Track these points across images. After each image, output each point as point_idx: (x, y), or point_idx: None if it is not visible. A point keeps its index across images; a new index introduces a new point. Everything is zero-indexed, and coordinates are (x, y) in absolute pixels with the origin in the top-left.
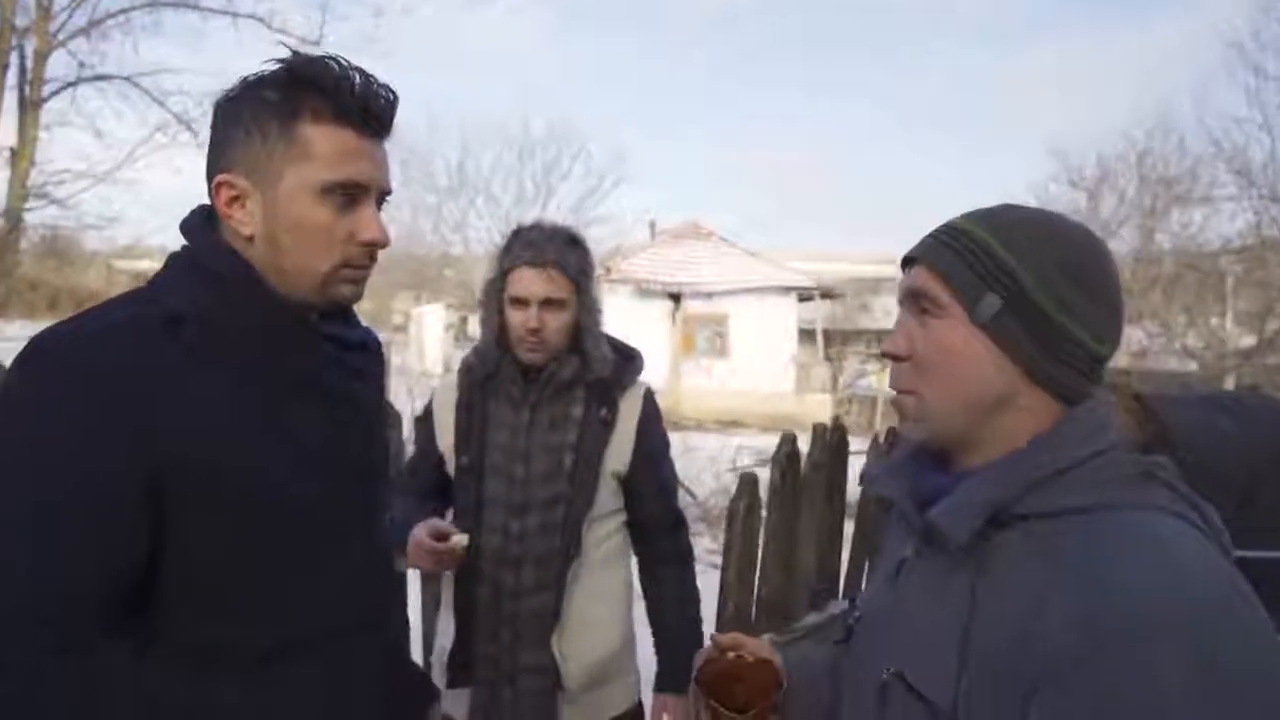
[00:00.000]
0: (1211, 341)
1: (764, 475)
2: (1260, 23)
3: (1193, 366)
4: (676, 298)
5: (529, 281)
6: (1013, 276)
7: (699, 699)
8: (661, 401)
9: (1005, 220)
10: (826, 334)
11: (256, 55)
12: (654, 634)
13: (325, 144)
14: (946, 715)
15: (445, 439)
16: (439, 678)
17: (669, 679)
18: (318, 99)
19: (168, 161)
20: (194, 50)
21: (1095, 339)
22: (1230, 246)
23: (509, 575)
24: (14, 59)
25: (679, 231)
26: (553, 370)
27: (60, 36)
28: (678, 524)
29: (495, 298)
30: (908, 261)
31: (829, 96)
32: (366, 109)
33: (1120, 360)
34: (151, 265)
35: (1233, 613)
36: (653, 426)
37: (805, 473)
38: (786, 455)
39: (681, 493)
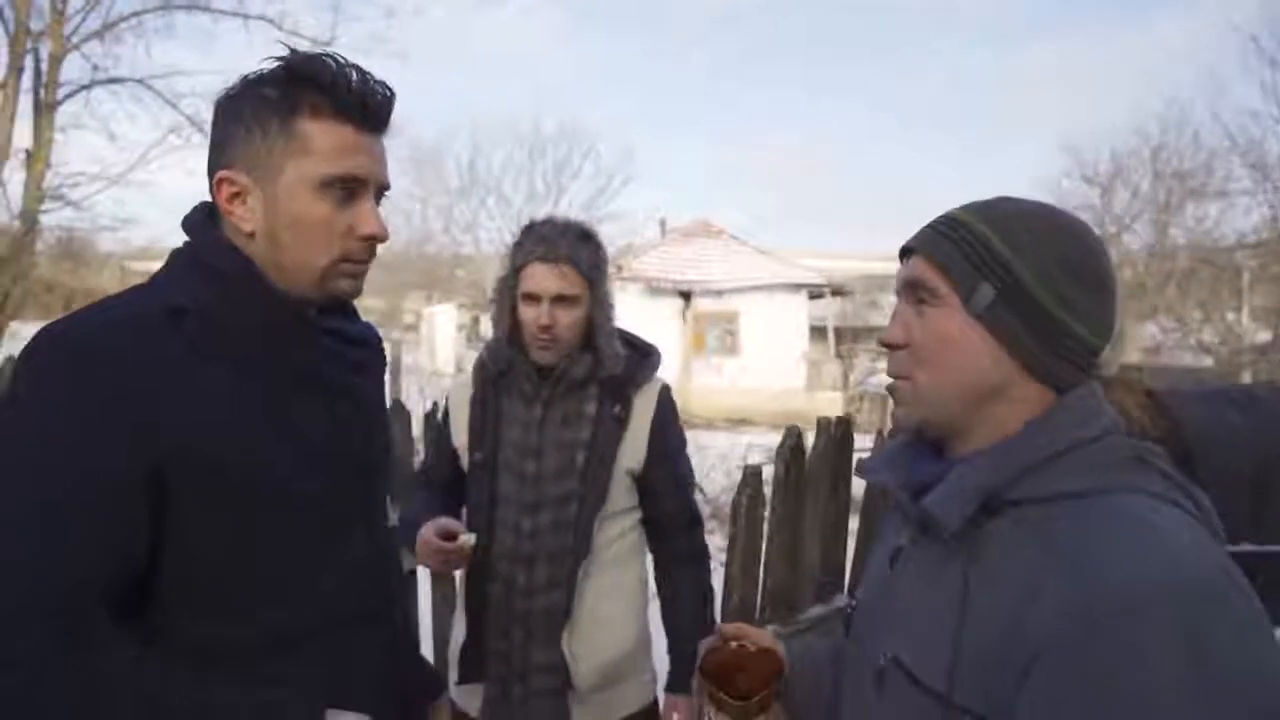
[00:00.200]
0: (1227, 337)
1: (771, 471)
2: (1276, 16)
3: (1208, 362)
4: (687, 296)
5: (541, 277)
6: (1008, 267)
7: (702, 687)
8: None
9: (1002, 212)
10: (837, 331)
11: (283, 51)
12: (667, 633)
13: (324, 139)
14: (942, 700)
15: (460, 436)
16: (452, 673)
17: (681, 679)
18: (316, 95)
19: (181, 163)
20: (206, 52)
21: (1089, 330)
22: (1246, 241)
23: (521, 573)
24: (29, 62)
25: (689, 230)
26: (565, 367)
27: (74, 40)
28: (694, 522)
29: (508, 294)
30: (906, 252)
31: (838, 94)
32: (364, 105)
33: (1134, 356)
34: None
35: (1222, 597)
36: (668, 424)
37: (810, 466)
38: (791, 448)
39: None
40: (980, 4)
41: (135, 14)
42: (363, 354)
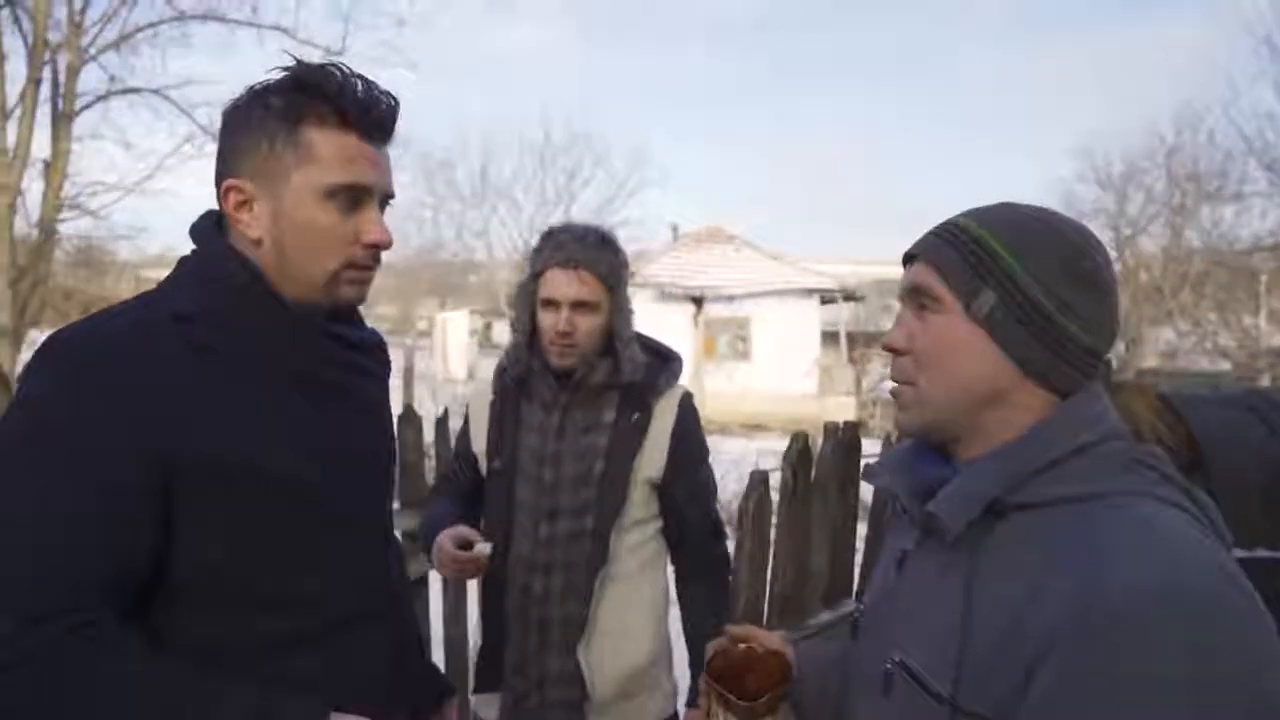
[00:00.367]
0: (1245, 341)
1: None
2: None
3: (1226, 366)
4: (698, 301)
5: (560, 283)
6: (1009, 273)
7: (710, 688)
8: None
9: (1003, 217)
10: (850, 336)
11: (289, 62)
12: (688, 645)
13: (329, 148)
14: (948, 703)
15: (479, 441)
16: (470, 681)
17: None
18: (322, 105)
19: (196, 172)
20: (221, 62)
21: (1091, 334)
22: (1262, 244)
23: (537, 582)
24: (47, 74)
25: (701, 235)
26: (584, 373)
27: (92, 51)
28: (716, 532)
29: (527, 300)
30: (909, 258)
31: (849, 99)
32: (369, 114)
33: (1151, 360)
34: None
35: (1223, 599)
36: (689, 432)
37: (817, 471)
38: (798, 453)
39: None
40: (1002, 6)
41: (151, 25)
42: (366, 359)
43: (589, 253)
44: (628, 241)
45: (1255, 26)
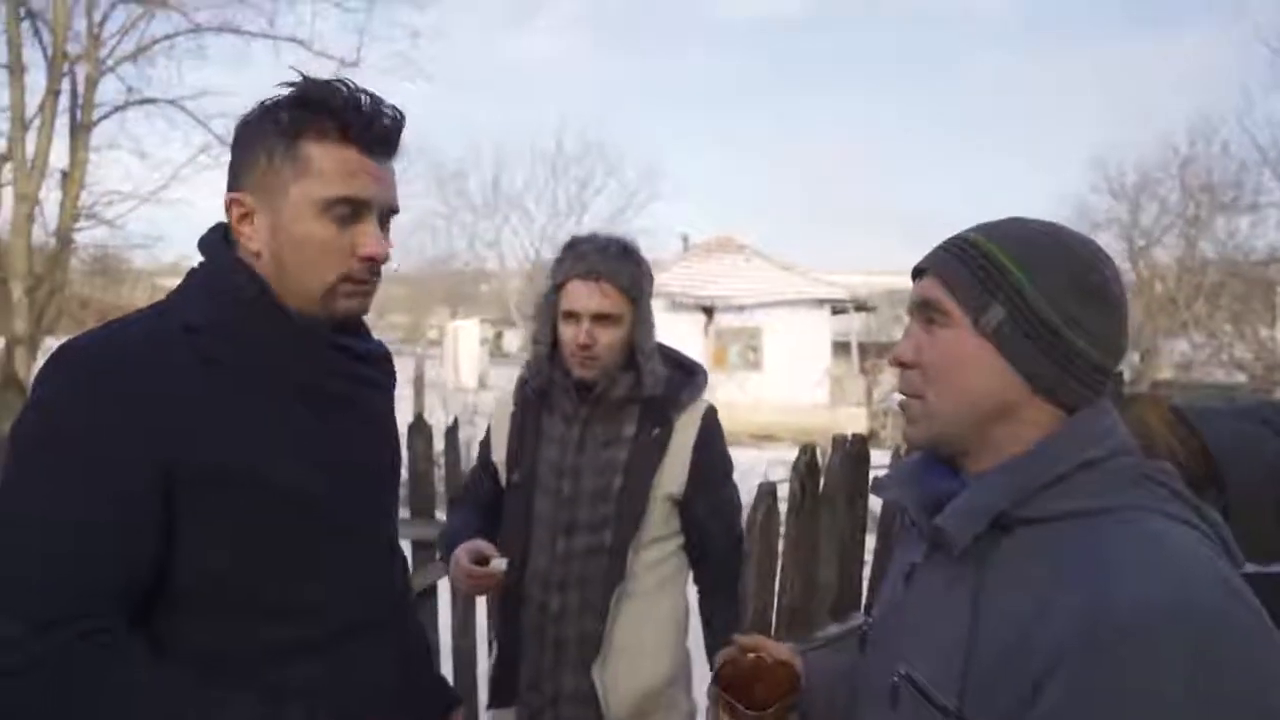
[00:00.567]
0: (1261, 352)
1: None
2: None
3: (1241, 378)
4: (709, 311)
5: (580, 295)
6: (1017, 288)
7: (718, 698)
8: None
9: (1011, 232)
10: (861, 347)
11: (296, 77)
12: (710, 663)
13: (327, 161)
14: (954, 715)
15: (499, 452)
16: (483, 695)
17: None
18: (323, 119)
19: (211, 182)
20: (236, 73)
21: (1099, 349)
22: (1278, 255)
23: (554, 598)
24: (66, 85)
25: (712, 245)
26: (605, 386)
27: (109, 62)
28: (735, 551)
29: (549, 311)
30: (918, 272)
31: (861, 108)
32: (369, 128)
33: (1166, 372)
34: None
35: (1229, 615)
36: (712, 447)
37: (825, 483)
38: (806, 465)
39: None
40: (1016, 13)
41: (168, 36)
42: (371, 370)
43: (610, 264)
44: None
45: (1270, 37)
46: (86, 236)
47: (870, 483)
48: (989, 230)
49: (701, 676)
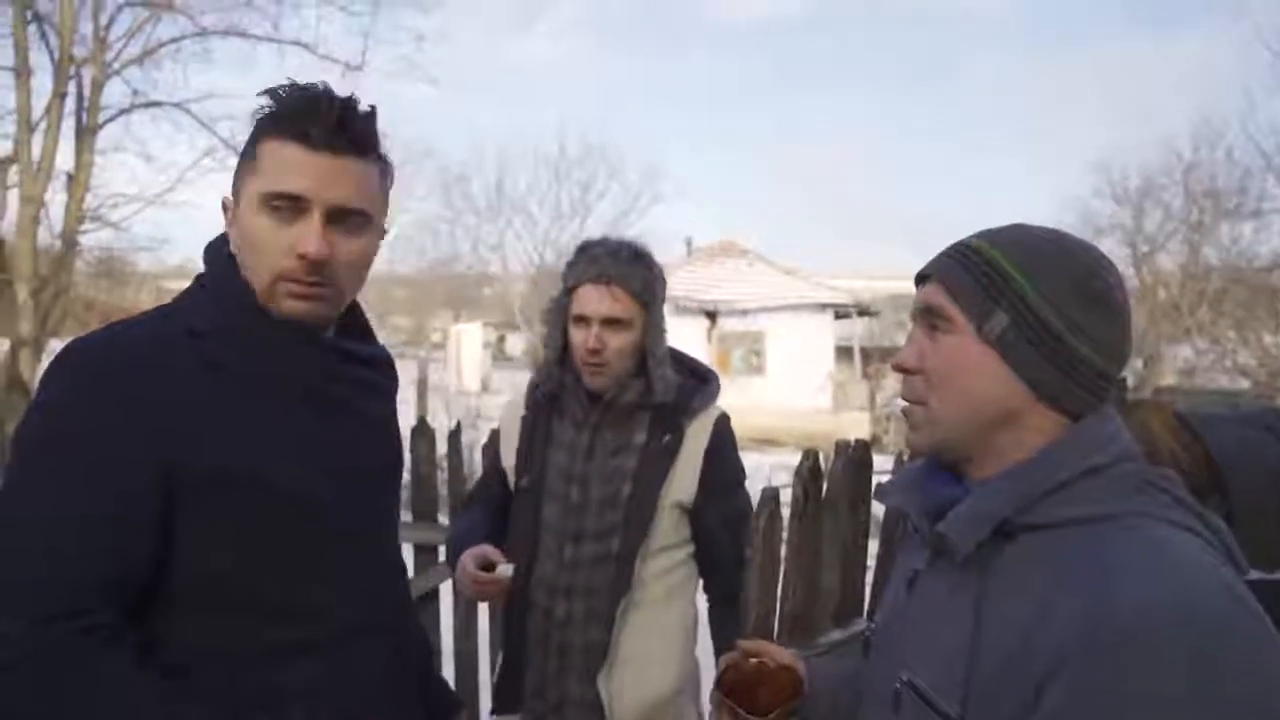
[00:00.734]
0: (1265, 358)
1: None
2: None
3: (1245, 384)
4: (712, 315)
5: (591, 299)
6: (1021, 295)
7: (721, 703)
8: None
9: (1015, 239)
10: (864, 351)
11: (302, 80)
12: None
13: (271, 158)
14: None
15: (509, 457)
16: (485, 700)
17: None
18: (277, 119)
19: (216, 185)
20: (242, 77)
21: (1102, 356)
22: None
23: (560, 605)
24: (72, 88)
25: (715, 249)
26: (615, 392)
27: (115, 66)
28: (740, 561)
29: (559, 315)
30: (921, 278)
31: (864, 111)
32: (315, 125)
33: (1169, 378)
34: None
35: (1232, 622)
36: (723, 455)
37: (828, 488)
38: (809, 470)
39: None
40: (1021, 16)
41: (174, 40)
42: (371, 374)
43: (621, 268)
44: None
45: (1271, 39)
46: (92, 239)
47: (874, 489)
48: (992, 237)
49: (711, 686)
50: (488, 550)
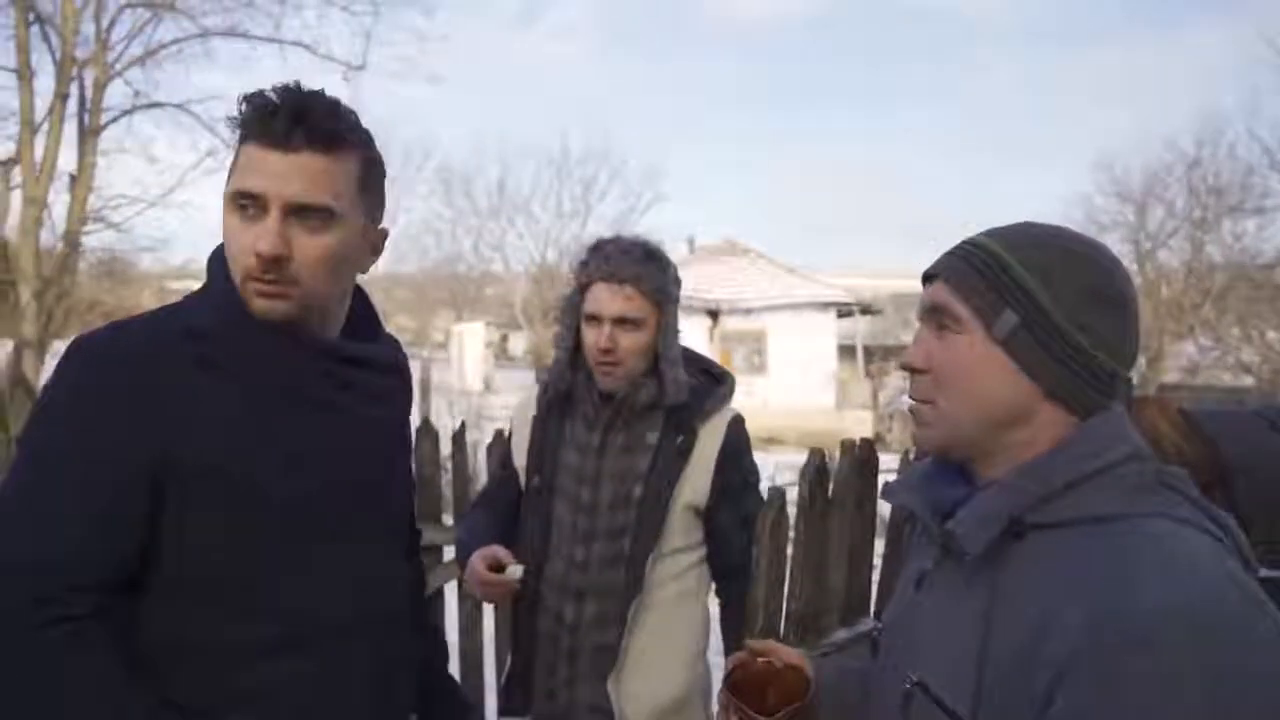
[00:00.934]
0: (1268, 355)
1: (796, 491)
2: None
3: (1248, 381)
4: (714, 314)
5: (603, 298)
6: (1030, 293)
7: (729, 702)
8: None
9: (1023, 237)
10: (867, 350)
11: (301, 81)
12: None
13: (240, 159)
14: None
15: (521, 456)
16: (490, 699)
17: None
18: (241, 121)
19: (218, 185)
20: (243, 78)
21: (1111, 354)
22: None
23: (570, 607)
24: (74, 89)
25: (717, 248)
26: (627, 392)
27: (118, 67)
28: (746, 563)
29: (571, 314)
30: (928, 277)
31: (867, 112)
32: (268, 122)
33: (1172, 376)
34: None
35: (1244, 622)
36: (737, 457)
37: (834, 488)
38: (815, 469)
39: None
40: (1023, 15)
41: (176, 41)
42: (369, 377)
43: (634, 268)
44: None
45: (1276, 37)
46: (94, 240)
47: (880, 488)
48: (999, 235)
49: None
50: (497, 551)
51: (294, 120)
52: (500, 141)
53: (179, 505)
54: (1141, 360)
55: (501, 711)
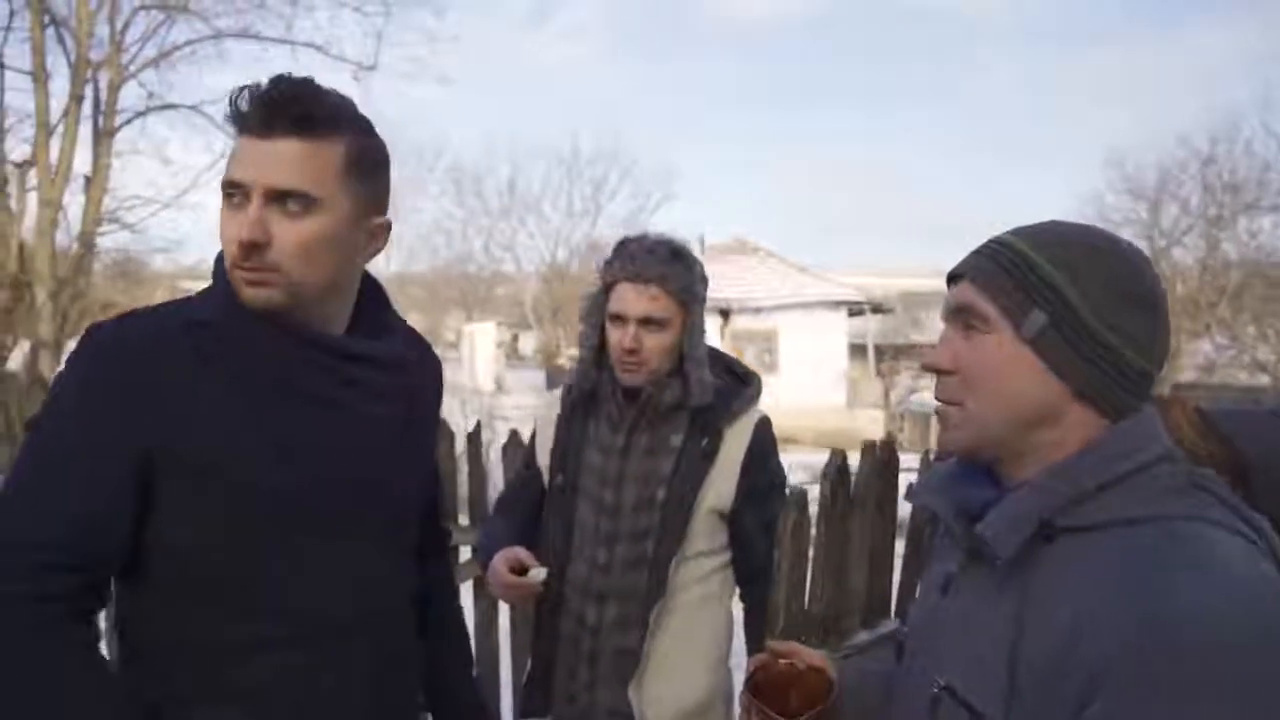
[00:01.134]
0: None
1: (815, 492)
2: None
3: (1264, 380)
4: (725, 313)
5: (628, 298)
6: (1059, 293)
7: (750, 704)
8: None
9: (1050, 236)
10: (878, 349)
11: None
12: None
13: (231, 151)
14: None
15: (544, 457)
16: (506, 698)
17: None
18: (229, 114)
19: None
20: (255, 78)
21: (1141, 354)
22: None
23: (592, 609)
24: (88, 91)
25: (728, 247)
26: (652, 393)
27: (132, 69)
28: (778, 560)
29: (596, 313)
30: (953, 277)
31: (876, 110)
32: (246, 110)
33: (1187, 374)
34: None
35: (1277, 627)
36: (763, 460)
37: (855, 489)
38: (837, 470)
39: None
40: (1032, 13)
41: (189, 43)
42: (372, 373)
43: (659, 267)
44: None
45: None
46: (109, 241)
47: (904, 490)
48: (1026, 234)
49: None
50: (520, 553)
51: (273, 107)
52: (511, 141)
53: (167, 499)
54: None
55: (520, 714)
